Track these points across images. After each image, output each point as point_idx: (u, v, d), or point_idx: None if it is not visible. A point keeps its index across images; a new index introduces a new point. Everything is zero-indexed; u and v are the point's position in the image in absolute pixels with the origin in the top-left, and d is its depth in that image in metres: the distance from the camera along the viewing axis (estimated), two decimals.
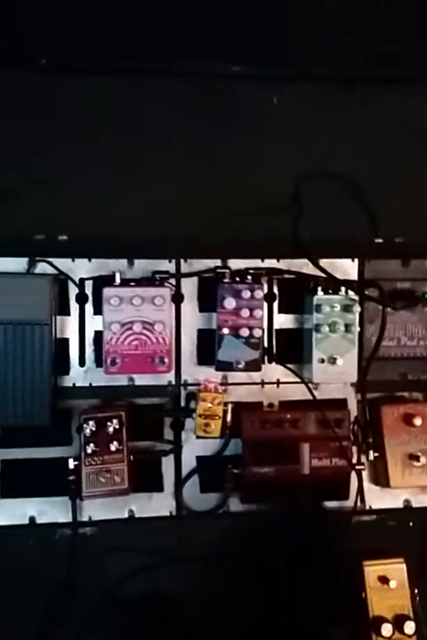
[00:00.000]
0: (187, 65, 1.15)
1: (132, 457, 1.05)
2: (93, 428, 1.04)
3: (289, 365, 1.10)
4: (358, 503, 1.13)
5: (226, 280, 1.07)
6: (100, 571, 1.08)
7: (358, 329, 1.07)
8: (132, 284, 1.06)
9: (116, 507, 1.08)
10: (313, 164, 1.16)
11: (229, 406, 1.09)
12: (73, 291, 1.08)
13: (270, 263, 1.11)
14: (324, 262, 1.11)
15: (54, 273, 1.06)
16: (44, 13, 1.07)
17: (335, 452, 1.08)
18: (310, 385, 1.09)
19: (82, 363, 1.09)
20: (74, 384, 1.09)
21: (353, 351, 1.08)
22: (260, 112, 1.17)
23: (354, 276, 1.13)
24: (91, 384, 1.09)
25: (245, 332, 1.05)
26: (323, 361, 1.07)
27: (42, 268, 1.06)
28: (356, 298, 1.07)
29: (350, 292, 1.08)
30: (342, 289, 1.08)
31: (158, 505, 1.10)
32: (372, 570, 1.13)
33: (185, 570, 1.10)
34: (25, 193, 1.07)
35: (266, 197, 1.14)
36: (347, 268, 1.13)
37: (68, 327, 1.09)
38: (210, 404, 1.06)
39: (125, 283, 1.06)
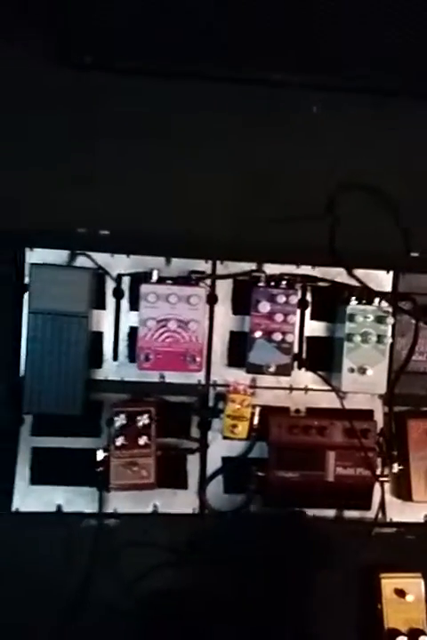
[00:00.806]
0: (228, 70, 1.16)
1: (159, 452, 1.07)
2: (124, 422, 1.05)
3: (320, 373, 1.11)
4: (380, 515, 1.13)
5: (261, 284, 1.08)
6: (122, 563, 1.10)
7: (391, 340, 1.08)
8: (169, 282, 1.07)
9: (140, 500, 1.09)
10: (350, 175, 1.17)
11: (257, 409, 1.10)
12: (110, 285, 1.10)
13: (305, 270, 1.12)
14: (358, 272, 1.12)
15: (93, 267, 1.08)
16: (89, 11, 1.09)
17: (360, 461, 1.09)
18: (340, 394, 1.10)
19: (115, 357, 1.11)
20: (106, 377, 1.11)
21: (384, 363, 1.08)
22: (299, 120, 1.19)
23: (388, 287, 1.13)
24: (122, 378, 1.11)
25: (277, 337, 1.06)
26: (353, 370, 1.08)
27: (81, 261, 1.09)
28: (390, 309, 1.08)
29: (384, 304, 1.08)
30: (376, 300, 1.08)
31: (182, 502, 1.11)
32: (389, 582, 1.13)
33: (206, 568, 1.11)
34: (69, 187, 1.09)
35: (302, 205, 1.15)
36: (381, 280, 1.13)
37: (104, 321, 1.10)
38: (238, 406, 1.08)
39: (162, 280, 1.07)
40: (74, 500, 1.08)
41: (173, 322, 1.04)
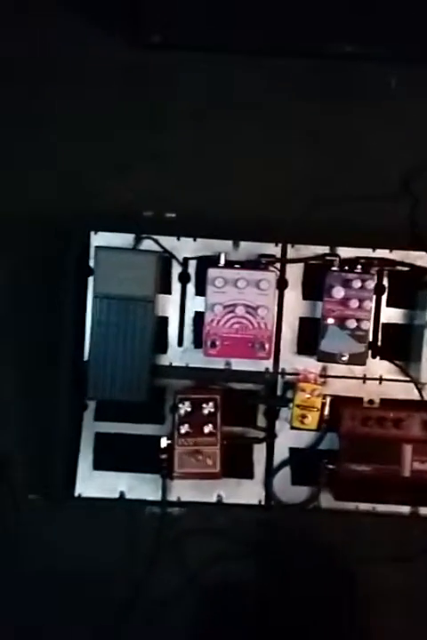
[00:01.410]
0: (304, 44, 1.10)
1: (224, 441, 1.03)
2: (188, 409, 1.02)
3: (397, 362, 1.04)
4: None
5: (335, 268, 1.02)
6: (185, 553, 1.08)
7: None
8: (237, 266, 1.03)
9: (204, 490, 1.07)
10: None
11: (328, 399, 1.04)
12: (176, 269, 1.07)
13: (382, 253, 1.05)
14: None
15: (159, 250, 1.05)
16: None
17: None
18: (418, 384, 1.03)
19: (180, 343, 1.08)
20: (171, 363, 1.08)
21: None
22: (376, 94, 1.11)
23: None
24: (187, 365, 1.08)
25: (352, 324, 1.00)
26: None
27: (147, 244, 1.06)
28: None
29: None
30: None
31: (248, 492, 1.07)
32: None
33: (270, 561, 1.07)
34: (135, 169, 1.06)
35: (379, 184, 1.08)
36: None
37: (169, 306, 1.07)
38: (308, 395, 1.03)
39: (230, 264, 1.03)
40: (137, 486, 1.07)
41: (241, 307, 1.00)
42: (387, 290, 1.06)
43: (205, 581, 1.08)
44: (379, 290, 1.06)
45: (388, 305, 1.06)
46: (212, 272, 1.01)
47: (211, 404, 1.03)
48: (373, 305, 1.02)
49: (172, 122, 1.08)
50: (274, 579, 1.08)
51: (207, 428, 1.02)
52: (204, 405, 1.03)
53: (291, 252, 1.06)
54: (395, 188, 1.08)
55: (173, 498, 1.07)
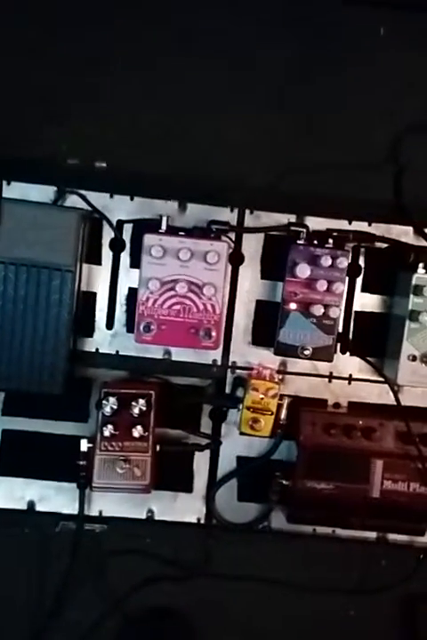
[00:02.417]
0: None
1: (158, 447, 0.85)
2: (114, 407, 0.83)
3: (369, 359, 0.86)
4: None
5: (301, 241, 0.83)
6: (107, 576, 0.89)
7: None
8: (182, 233, 0.83)
9: (133, 504, 0.89)
10: (422, 112, 0.90)
11: (286, 401, 0.86)
12: (107, 234, 0.87)
13: (360, 226, 0.86)
14: None
15: (86, 209, 0.84)
16: None
17: (416, 475, 0.85)
18: (394, 387, 0.85)
19: (110, 325, 0.88)
20: (97, 349, 0.88)
21: None
22: (362, 45, 0.91)
23: None
24: (118, 352, 0.88)
25: (318, 311, 0.82)
26: (414, 359, 0.83)
27: (72, 201, 0.85)
28: None
29: None
30: None
31: (185, 508, 0.89)
32: None
33: (208, 588, 0.90)
34: (61, 109, 0.85)
35: (362, 148, 0.89)
36: None
37: (98, 279, 0.87)
38: (262, 396, 0.84)
39: (173, 231, 0.83)
40: (50, 497, 0.88)
41: (182, 284, 0.80)
42: (363, 271, 0.88)
43: (129, 610, 0.90)
44: (353, 271, 0.88)
45: (363, 289, 0.88)
46: (148, 239, 0.81)
47: (142, 401, 0.84)
48: (345, 289, 0.83)
49: (113, 63, 0.87)
50: (211, 610, 0.90)
51: (137, 431, 0.83)
52: (134, 403, 0.83)
53: (249, 220, 0.87)
54: (379, 153, 0.89)
55: (93, 512, 0.88)
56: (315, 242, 0.83)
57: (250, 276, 0.88)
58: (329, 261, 0.81)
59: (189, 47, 0.89)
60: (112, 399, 0.83)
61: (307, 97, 0.90)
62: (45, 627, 0.88)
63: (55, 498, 0.88)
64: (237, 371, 0.89)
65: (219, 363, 0.89)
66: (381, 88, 0.91)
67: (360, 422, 0.85)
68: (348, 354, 0.89)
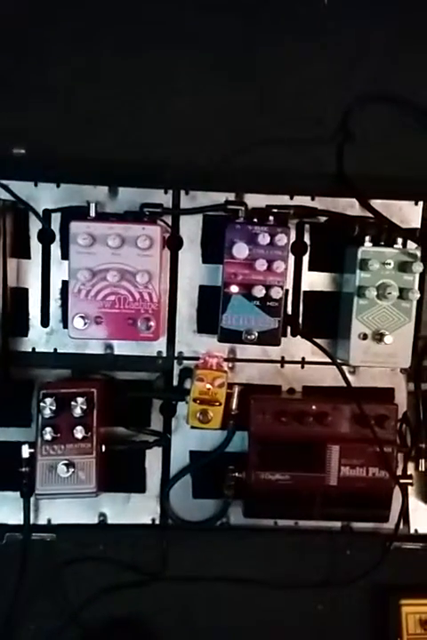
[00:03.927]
0: None
1: (104, 447, 0.80)
2: (53, 408, 0.79)
3: (317, 340, 0.82)
4: (401, 526, 0.85)
5: (239, 220, 0.78)
6: (61, 588, 0.85)
7: (418, 296, 0.77)
8: (113, 219, 0.78)
9: (84, 509, 0.84)
10: (367, 83, 0.86)
11: (236, 389, 0.82)
12: (35, 225, 0.82)
13: (302, 201, 0.82)
14: (376, 203, 0.82)
15: (9, 199, 0.79)
16: None
17: (374, 459, 0.81)
18: (345, 368, 0.80)
19: (45, 322, 0.83)
20: (34, 348, 0.83)
21: (408, 326, 0.79)
22: (304, 14, 0.86)
23: (416, 223, 0.83)
24: (56, 350, 0.84)
25: (259, 292, 0.77)
26: (365, 337, 0.78)
27: None
28: (417, 253, 0.77)
29: (411, 245, 0.78)
30: (399, 240, 0.78)
31: (138, 509, 0.85)
32: (412, 611, 0.87)
33: (168, 592, 0.85)
34: None
35: (306, 122, 0.84)
36: (407, 213, 0.83)
37: (28, 274, 0.83)
38: (209, 386, 0.80)
39: (104, 217, 0.78)
40: None
41: (113, 272, 0.76)
42: (309, 249, 0.83)
43: (87, 622, 0.86)
44: (299, 249, 0.83)
45: (311, 268, 0.84)
46: (75, 226, 0.76)
47: (82, 400, 0.79)
48: (287, 267, 0.78)
49: (34, 38, 0.82)
50: (173, 615, 0.86)
51: (79, 432, 0.79)
52: (73, 403, 0.79)
53: (185, 201, 0.82)
54: (327, 126, 0.85)
55: (42, 520, 0.84)
56: (255, 220, 0.78)
57: (191, 260, 0.83)
58: (267, 239, 0.76)
59: (122, 22, 0.84)
60: (50, 400, 0.79)
61: (247, 70, 0.85)
62: None
63: (0, 509, 0.84)
64: (184, 361, 0.84)
65: (164, 354, 0.85)
66: (328, 59, 0.86)
67: (313, 407, 0.80)
68: (298, 336, 0.84)
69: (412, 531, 0.87)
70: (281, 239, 0.76)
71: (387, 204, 0.82)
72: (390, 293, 0.76)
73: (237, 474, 0.81)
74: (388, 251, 0.77)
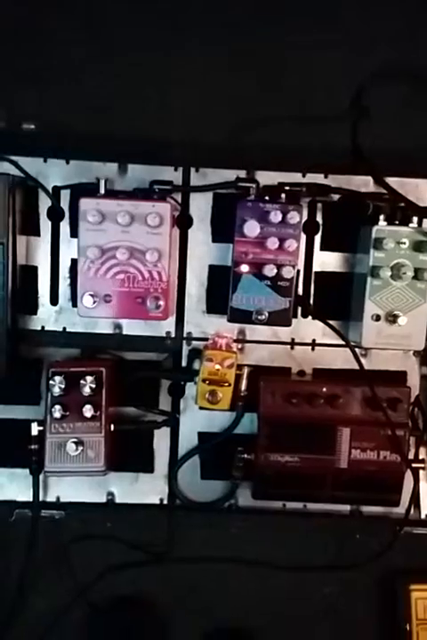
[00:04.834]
0: None
1: (112, 427, 0.80)
2: (62, 386, 0.78)
3: (330, 322, 0.80)
4: (412, 511, 0.84)
5: (250, 198, 0.77)
6: (70, 565, 0.85)
7: None
8: (123, 196, 0.77)
9: (92, 487, 0.84)
10: (384, 59, 0.83)
11: (246, 370, 0.81)
12: (44, 203, 0.81)
13: (315, 179, 0.80)
14: (391, 181, 0.79)
15: (18, 175, 0.79)
16: None
17: (385, 442, 0.79)
18: (357, 349, 0.79)
19: (54, 300, 0.83)
20: (43, 327, 0.83)
21: (423, 307, 0.77)
22: None
23: None
24: (65, 329, 0.83)
25: (271, 271, 0.76)
26: (378, 318, 0.77)
27: (3, 169, 0.79)
28: None
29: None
30: (415, 219, 0.76)
31: (146, 489, 0.85)
32: (422, 596, 0.86)
33: (174, 571, 0.85)
34: None
35: (321, 100, 0.82)
36: (423, 191, 0.81)
37: (38, 252, 0.82)
38: (218, 366, 0.79)
39: (113, 194, 0.77)
40: (4, 485, 0.84)
41: (122, 250, 0.75)
42: (322, 228, 0.82)
43: (94, 599, 0.86)
44: (311, 228, 0.81)
45: (323, 248, 0.82)
46: (84, 203, 0.75)
47: (91, 379, 0.79)
48: (299, 245, 0.77)
49: (44, 16, 0.81)
50: (178, 594, 0.86)
51: (88, 411, 0.79)
52: (82, 382, 0.79)
53: (196, 178, 0.81)
54: (336, 102, 0.83)
55: (51, 498, 0.84)
56: (267, 198, 0.77)
57: (201, 239, 0.82)
58: (279, 217, 0.74)
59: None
60: (59, 378, 0.79)
61: (260, 45, 0.83)
62: (9, 619, 0.84)
63: (9, 486, 0.84)
64: (193, 342, 0.84)
65: (173, 335, 0.84)
66: (342, 31, 0.84)
67: (324, 389, 0.79)
68: (310, 318, 0.83)
69: (423, 516, 0.86)
70: (293, 217, 0.74)
71: (403, 182, 0.80)
72: (404, 273, 0.74)
73: (246, 455, 0.81)
74: (403, 229, 0.75)
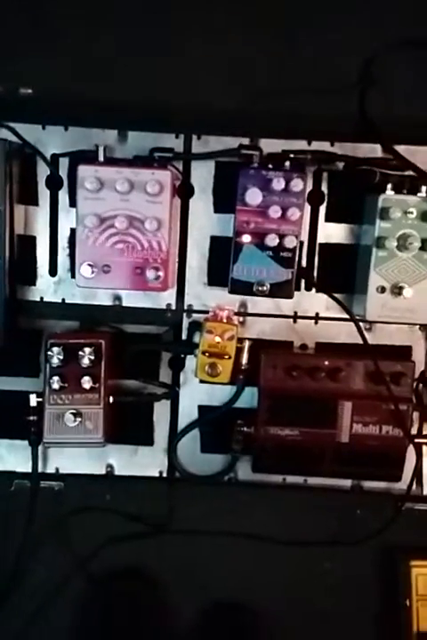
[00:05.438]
0: None
1: (111, 399, 0.79)
2: (61, 357, 0.77)
3: (334, 294, 0.78)
4: (414, 487, 0.83)
5: (253, 165, 0.75)
6: (69, 536, 0.85)
7: None
8: (122, 163, 0.75)
9: (91, 459, 0.84)
10: (394, 27, 0.80)
11: (246, 343, 0.80)
12: (42, 171, 0.79)
13: (321, 146, 0.77)
14: (399, 149, 0.77)
15: (16, 142, 0.77)
16: None
17: (388, 417, 0.78)
18: (361, 323, 0.77)
19: (53, 271, 0.82)
20: (42, 298, 0.82)
21: None
22: None
23: None
24: (64, 300, 0.82)
25: (273, 241, 0.74)
26: (383, 290, 0.75)
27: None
28: None
29: None
30: (424, 188, 0.73)
31: (146, 462, 0.84)
32: (422, 572, 0.86)
33: (173, 544, 0.85)
34: None
35: (330, 70, 0.79)
36: None
37: (36, 221, 0.81)
38: (218, 339, 0.78)
39: (113, 162, 0.76)
40: (3, 455, 0.84)
41: (121, 218, 0.73)
42: (327, 198, 0.79)
43: (94, 570, 0.86)
44: (317, 197, 0.79)
45: (327, 219, 0.80)
46: (82, 170, 0.74)
47: (89, 350, 0.78)
48: (302, 215, 0.75)
49: None
50: (178, 567, 0.86)
51: (87, 383, 0.78)
52: (81, 353, 0.78)
53: (197, 146, 0.79)
54: (345, 70, 0.80)
55: (50, 469, 0.84)
56: (270, 166, 0.75)
57: (202, 209, 0.80)
58: (282, 184, 0.72)
59: None
60: (57, 349, 0.78)
61: (264, 13, 0.80)
62: (8, 589, 0.85)
63: (8, 456, 0.84)
64: (194, 314, 0.82)
65: (173, 307, 0.82)
66: (355, 5, 0.81)
67: (325, 363, 0.78)
68: (313, 291, 0.81)
69: (425, 491, 0.85)
70: (297, 185, 0.72)
71: (412, 150, 0.77)
72: (411, 244, 0.72)
73: (245, 428, 0.80)
74: (411, 199, 0.73)
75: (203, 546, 0.85)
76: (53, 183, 0.79)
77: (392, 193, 0.74)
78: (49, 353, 0.78)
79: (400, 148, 0.77)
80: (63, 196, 0.80)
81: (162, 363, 0.84)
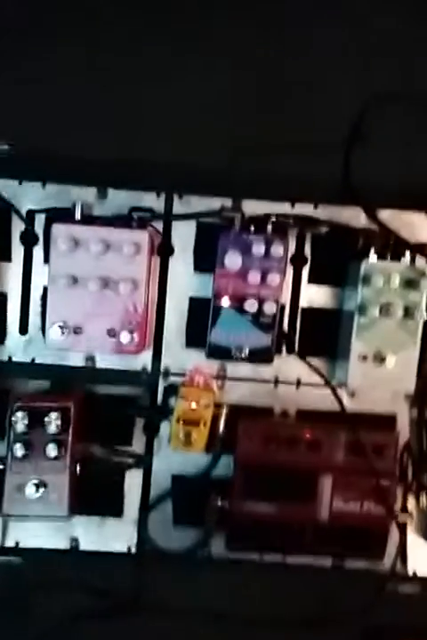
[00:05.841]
0: None
1: (79, 467, 0.74)
2: (26, 422, 0.73)
3: (315, 360, 0.76)
4: (398, 566, 0.78)
5: (234, 228, 0.73)
6: (28, 616, 0.79)
7: (425, 316, 0.72)
8: (99, 222, 0.73)
9: (55, 532, 0.78)
10: (383, 81, 0.80)
11: (224, 410, 0.76)
12: (17, 226, 0.77)
13: (304, 209, 0.76)
14: (385, 213, 0.76)
15: None
16: None
17: (370, 492, 0.74)
18: (344, 391, 0.74)
19: (23, 329, 0.78)
20: (10, 357, 0.78)
21: (413, 348, 0.73)
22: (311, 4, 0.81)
23: (426, 237, 0.77)
24: (33, 360, 0.78)
25: (252, 306, 0.71)
26: (365, 358, 0.72)
27: None
28: (426, 269, 0.72)
29: (420, 262, 0.73)
30: (407, 255, 0.72)
31: (114, 535, 0.79)
32: None
33: (143, 625, 0.79)
34: None
35: (312, 123, 0.79)
36: (416, 226, 0.77)
37: (8, 278, 0.77)
38: (194, 405, 0.74)
39: (90, 220, 0.73)
40: None
41: (94, 281, 0.70)
42: (310, 262, 0.78)
43: None
44: (299, 260, 0.77)
45: (310, 281, 0.78)
46: (56, 229, 0.71)
47: (55, 415, 0.73)
48: (283, 280, 0.73)
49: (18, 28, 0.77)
50: None
51: (52, 450, 0.73)
52: (47, 419, 0.73)
53: (179, 206, 0.77)
54: (341, 130, 0.79)
55: (9, 543, 0.78)
56: (251, 228, 0.73)
57: (182, 269, 0.78)
58: (263, 249, 0.70)
59: (115, 15, 0.79)
60: (22, 414, 0.73)
61: (249, 67, 0.80)
62: None
63: None
64: (171, 377, 0.79)
65: (149, 369, 0.79)
66: (340, 52, 0.81)
67: (305, 433, 0.74)
68: (293, 355, 0.78)
69: (410, 572, 0.81)
70: (277, 250, 0.70)
71: (395, 215, 0.76)
72: (394, 312, 0.70)
73: (219, 502, 0.75)
74: (394, 265, 0.72)
75: (173, 625, 0.79)
76: (28, 239, 0.76)
77: (375, 258, 0.72)
78: (13, 418, 0.73)
79: (386, 213, 0.76)
80: (38, 252, 0.77)
81: (135, 428, 0.80)
